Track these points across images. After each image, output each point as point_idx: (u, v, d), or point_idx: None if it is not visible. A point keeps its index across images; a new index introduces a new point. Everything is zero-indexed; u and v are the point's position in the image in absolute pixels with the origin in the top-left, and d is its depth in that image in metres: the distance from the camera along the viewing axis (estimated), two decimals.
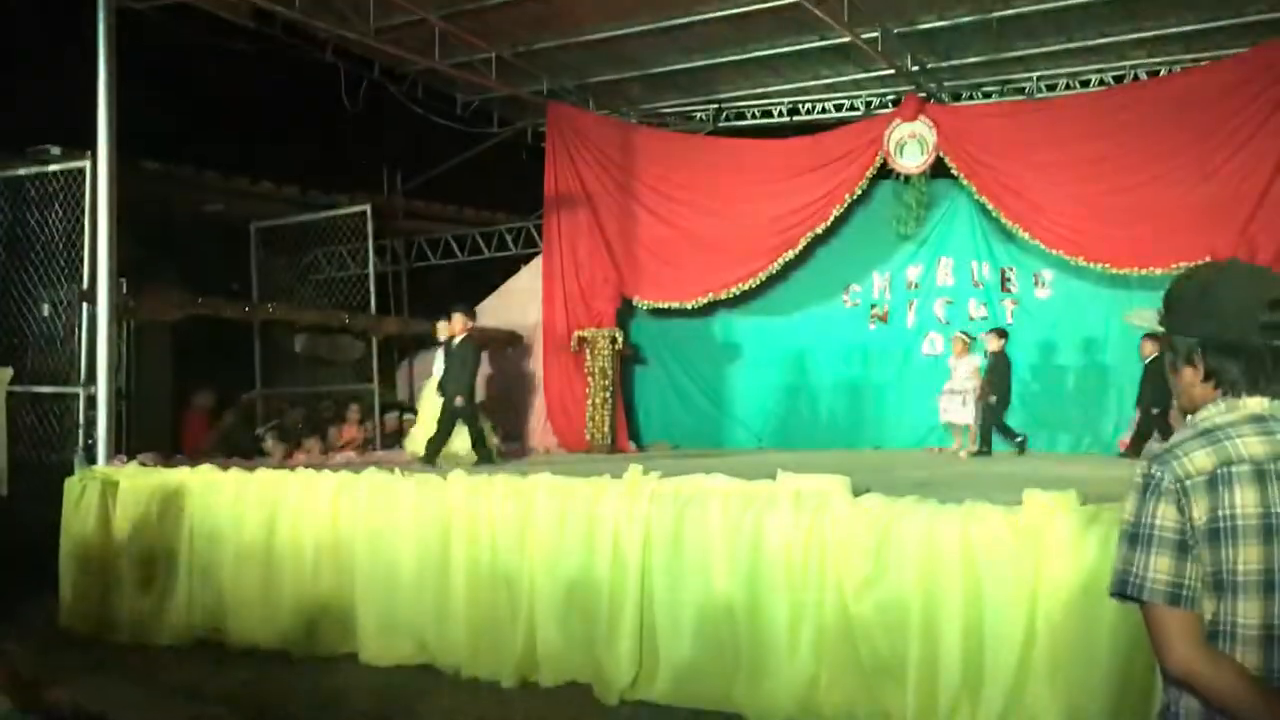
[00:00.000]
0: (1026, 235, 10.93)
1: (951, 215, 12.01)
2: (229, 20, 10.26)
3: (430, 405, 9.93)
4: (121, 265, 8.63)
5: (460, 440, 9.60)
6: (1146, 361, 10.11)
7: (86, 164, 8.78)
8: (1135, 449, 10.04)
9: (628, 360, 12.95)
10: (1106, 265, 10.53)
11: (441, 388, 9.78)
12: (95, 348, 8.42)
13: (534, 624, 6.09)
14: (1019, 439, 10.75)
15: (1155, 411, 9.95)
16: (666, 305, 12.56)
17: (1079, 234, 10.64)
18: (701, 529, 5.65)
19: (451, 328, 9.91)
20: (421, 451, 9.57)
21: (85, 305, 8.71)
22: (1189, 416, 2.13)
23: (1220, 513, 1.94)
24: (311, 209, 13.03)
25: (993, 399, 10.64)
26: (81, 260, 8.80)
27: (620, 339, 12.45)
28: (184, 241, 12.44)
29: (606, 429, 12.19)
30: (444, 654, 6.40)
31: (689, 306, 12.42)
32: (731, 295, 12.23)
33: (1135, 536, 2.01)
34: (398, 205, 14.75)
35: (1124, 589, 2.01)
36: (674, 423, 13.11)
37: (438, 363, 10.12)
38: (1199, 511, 1.95)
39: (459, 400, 9.51)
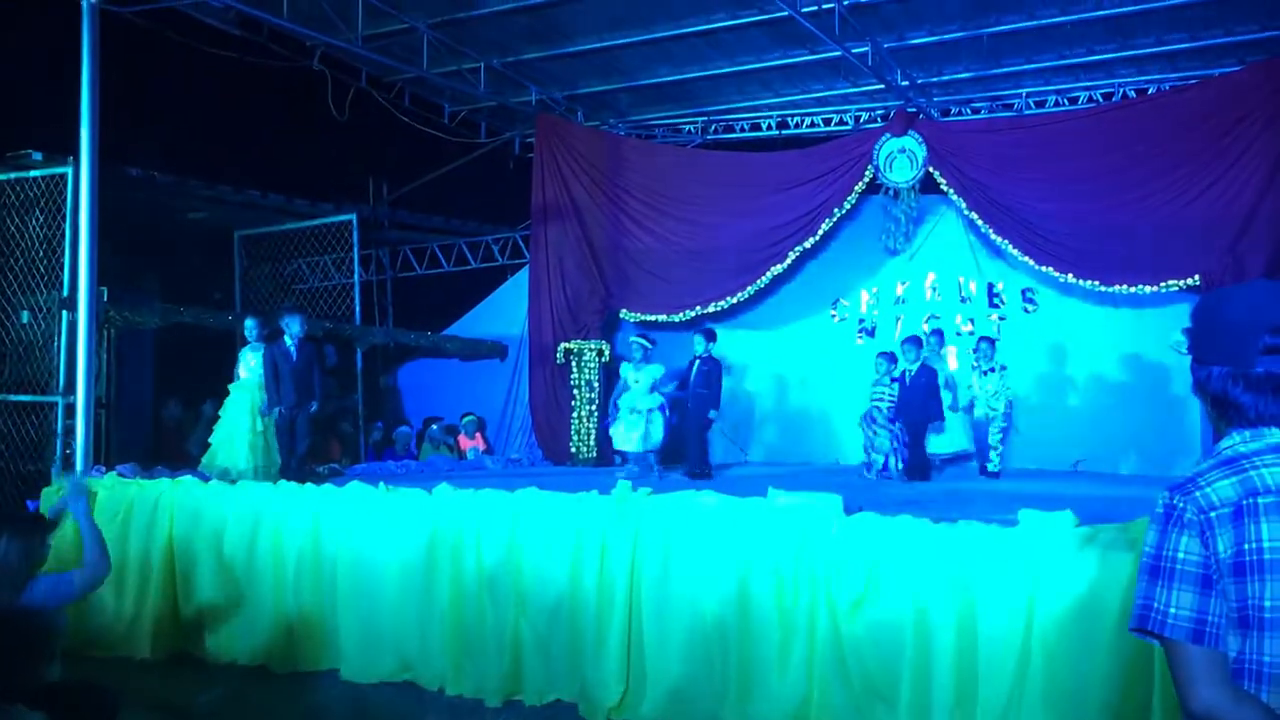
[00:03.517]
0: (1016, 252, 10.90)
1: (940, 231, 11.99)
2: (215, 27, 10.17)
3: (237, 413, 9.25)
4: (102, 273, 8.51)
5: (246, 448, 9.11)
6: (912, 371, 9.89)
7: (68, 170, 8.68)
8: (914, 469, 9.80)
9: (613, 373, 12.85)
10: (1095, 282, 10.51)
11: (283, 394, 9.03)
12: (75, 356, 8.31)
13: (519, 642, 5.99)
14: (708, 468, 10.12)
15: (930, 425, 9.88)
16: (653, 318, 12.47)
17: (1068, 251, 10.62)
18: (691, 546, 5.58)
19: (288, 328, 9.15)
20: (225, 464, 8.94)
21: (65, 313, 8.59)
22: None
23: (1246, 546, 1.86)
24: (296, 218, 12.92)
25: (711, 414, 9.97)
26: (62, 267, 8.68)
27: (606, 351, 12.37)
28: (166, 249, 12.32)
29: (592, 442, 12.10)
30: (427, 671, 6.30)
31: (676, 320, 12.34)
32: (719, 309, 12.16)
33: (1157, 570, 1.93)
34: (383, 215, 14.65)
35: (1144, 624, 1.93)
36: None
37: (246, 364, 9.39)
38: (1224, 544, 1.88)
39: (315, 407, 9.14)
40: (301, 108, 11.79)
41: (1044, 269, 10.79)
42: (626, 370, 10.23)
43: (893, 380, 10.13)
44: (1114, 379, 11.12)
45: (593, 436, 12.10)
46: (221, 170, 11.79)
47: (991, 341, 10.66)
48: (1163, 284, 10.16)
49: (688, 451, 10.28)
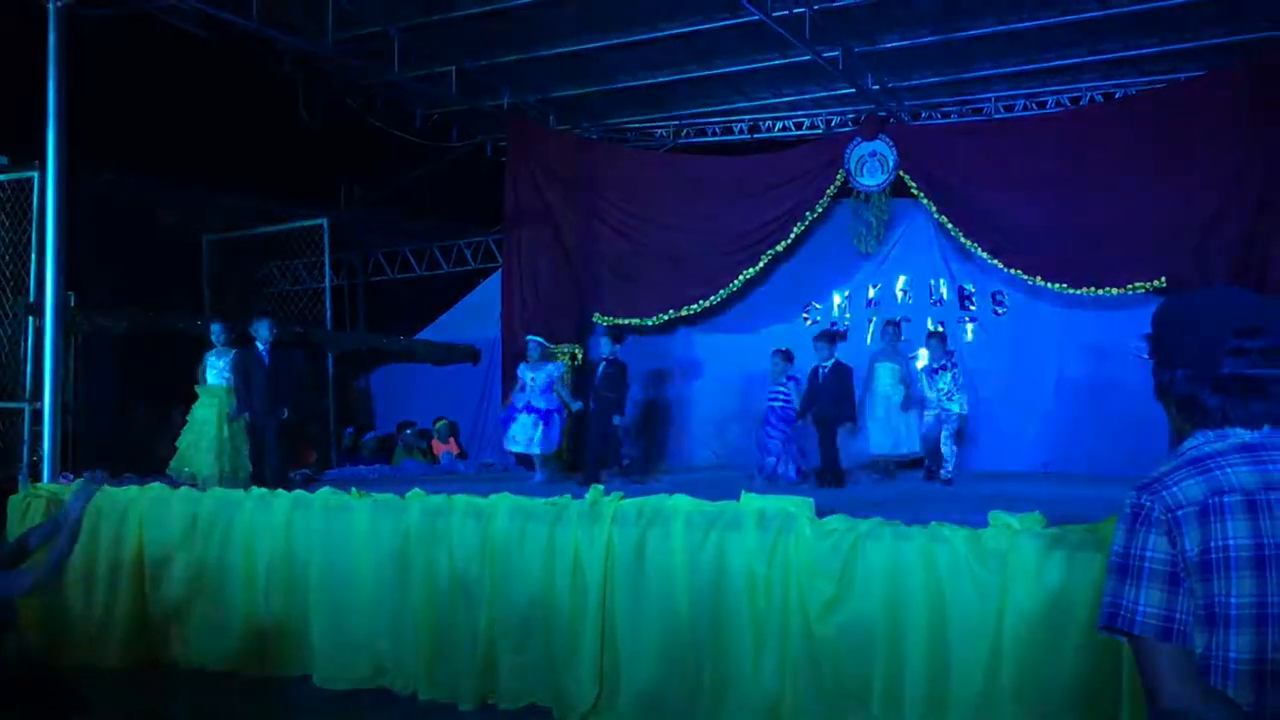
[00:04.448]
0: (985, 255, 10.97)
1: (911, 234, 12.05)
2: (184, 29, 10.09)
3: (203, 417, 9.13)
4: (70, 278, 8.42)
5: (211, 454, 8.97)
6: (826, 368, 9.40)
7: (35, 174, 8.60)
8: (830, 475, 9.26)
9: (587, 377, 12.83)
10: (1064, 285, 10.60)
11: (254, 399, 8.94)
12: (41, 362, 8.22)
13: (493, 646, 5.97)
14: (626, 462, 9.80)
15: (845, 426, 9.41)
16: (626, 322, 12.47)
17: (1036, 254, 10.70)
18: (664, 549, 5.57)
19: (258, 334, 9.10)
20: (192, 469, 8.83)
21: (31, 318, 8.50)
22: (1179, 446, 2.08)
23: (1212, 544, 1.88)
24: (267, 222, 12.84)
25: (617, 420, 9.64)
26: (28, 272, 8.59)
27: (580, 355, 12.36)
28: (135, 254, 12.20)
29: (564, 446, 12.07)
30: (401, 676, 6.26)
31: (649, 323, 12.35)
32: (692, 312, 12.19)
33: (1125, 568, 1.95)
34: (355, 218, 14.58)
35: (1113, 622, 1.95)
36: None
37: (212, 369, 9.31)
38: (1191, 543, 1.90)
39: (286, 414, 9.05)
40: (272, 111, 11.73)
41: (1013, 271, 10.87)
42: (523, 370, 10.09)
43: (789, 378, 9.77)
44: (1082, 380, 11.19)
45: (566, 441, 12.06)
46: (191, 174, 11.71)
47: (941, 337, 10.36)
48: (1130, 286, 10.25)
49: (585, 455, 9.95)
